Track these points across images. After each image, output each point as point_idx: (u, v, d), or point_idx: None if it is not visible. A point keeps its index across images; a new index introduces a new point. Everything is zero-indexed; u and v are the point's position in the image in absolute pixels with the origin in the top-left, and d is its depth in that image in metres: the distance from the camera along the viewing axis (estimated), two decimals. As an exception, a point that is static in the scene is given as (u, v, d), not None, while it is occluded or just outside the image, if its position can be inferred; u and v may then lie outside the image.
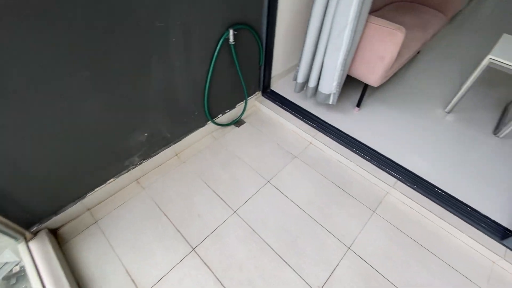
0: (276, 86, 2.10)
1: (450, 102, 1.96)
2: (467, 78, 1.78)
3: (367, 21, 1.42)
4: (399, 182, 1.52)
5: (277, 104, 1.94)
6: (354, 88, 2.10)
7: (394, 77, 2.29)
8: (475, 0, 3.73)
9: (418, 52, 2.57)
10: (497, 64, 1.61)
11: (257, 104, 1.99)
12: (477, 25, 3.17)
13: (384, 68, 1.53)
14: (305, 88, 1.86)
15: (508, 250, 1.28)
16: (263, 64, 1.78)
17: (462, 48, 2.74)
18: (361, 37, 1.48)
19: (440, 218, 1.39)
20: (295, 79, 1.84)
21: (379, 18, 1.41)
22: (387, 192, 1.54)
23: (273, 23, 1.59)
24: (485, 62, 1.65)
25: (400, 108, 2.01)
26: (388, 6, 2.27)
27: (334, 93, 1.66)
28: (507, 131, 1.79)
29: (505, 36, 1.81)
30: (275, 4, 1.50)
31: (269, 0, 1.45)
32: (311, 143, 1.78)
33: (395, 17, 2.06)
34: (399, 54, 1.67)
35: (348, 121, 1.86)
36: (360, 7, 1.28)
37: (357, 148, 1.66)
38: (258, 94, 2.00)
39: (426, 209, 1.42)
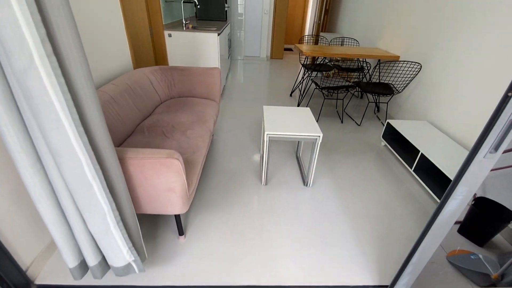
0: (49, 273, 1.23)
1: (262, 176, 1.96)
2: (262, 153, 1.82)
3: (122, 158, 1.01)
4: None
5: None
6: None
7: (206, 172, 2.08)
8: (229, 77, 4.64)
9: (212, 135, 2.60)
10: (274, 137, 1.72)
11: None
12: (242, 96, 3.84)
13: (181, 196, 1.16)
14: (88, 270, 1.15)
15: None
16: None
17: (242, 118, 3.11)
18: (128, 178, 1.04)
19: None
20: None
21: (138, 150, 1.04)
22: None
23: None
24: (266, 138, 1.73)
25: (225, 202, 1.76)
26: (159, 108, 2.09)
27: (135, 260, 1.08)
28: (311, 180, 1.98)
29: (265, 108, 2.07)
30: None
31: None
32: None
33: (173, 119, 1.87)
34: (191, 168, 1.40)
35: (172, 268, 1.33)
36: (97, 144, 0.84)
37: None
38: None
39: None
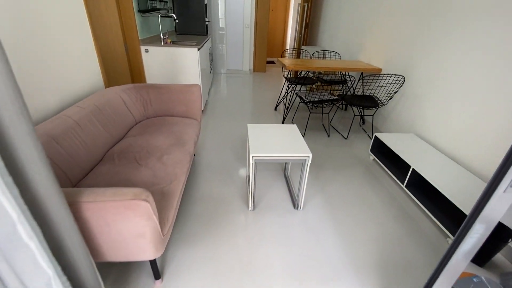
0: None
1: (248, 201, 1.80)
2: (248, 176, 1.67)
3: (76, 202, 0.82)
4: None
5: None
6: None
7: (186, 200, 1.89)
8: (212, 92, 4.51)
9: (194, 155, 2.43)
10: (261, 159, 1.59)
11: None
12: (225, 111, 3.70)
13: (153, 241, 0.99)
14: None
15: None
16: None
17: (226, 135, 2.96)
18: (85, 225, 0.86)
19: None
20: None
21: (96, 192, 0.86)
22: None
23: None
24: (252, 161, 1.59)
25: (208, 234, 1.58)
26: (133, 130, 1.91)
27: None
28: (301, 203, 1.84)
29: (250, 127, 1.94)
30: None
31: None
32: None
33: (148, 143, 1.69)
34: (167, 201, 1.23)
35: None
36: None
37: None
38: None
39: None
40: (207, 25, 4.74)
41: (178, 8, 4.55)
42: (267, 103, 4.04)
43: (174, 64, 3.09)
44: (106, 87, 2.18)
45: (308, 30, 5.91)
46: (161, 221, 1.11)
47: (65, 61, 1.67)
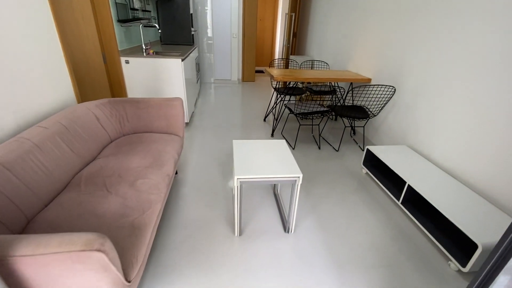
0: None
1: (234, 225, 1.65)
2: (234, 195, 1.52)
3: (8, 256, 0.66)
4: None
5: None
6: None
7: (165, 227, 1.72)
8: (198, 103, 4.37)
9: (176, 173, 2.26)
10: (247, 181, 1.45)
11: None
12: (212, 123, 3.56)
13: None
14: None
15: None
16: None
17: (212, 150, 2.81)
18: (22, 283, 0.69)
19: None
20: None
21: (38, 241, 0.69)
22: None
23: None
24: (237, 183, 1.44)
25: (189, 267, 1.41)
26: (107, 149, 1.73)
27: None
28: (292, 226, 1.70)
29: (235, 143, 1.80)
30: None
31: None
32: None
33: (121, 165, 1.52)
34: (136, 237, 1.06)
35: None
36: None
37: None
38: None
39: None
40: (193, 34, 4.64)
41: (163, 18, 4.43)
42: (256, 114, 3.92)
43: (157, 76, 2.94)
44: (79, 102, 2.00)
45: (296, 40, 5.89)
46: (127, 264, 0.94)
47: (27, 75, 1.50)
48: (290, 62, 4.30)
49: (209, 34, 5.42)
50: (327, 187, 2.19)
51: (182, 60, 2.92)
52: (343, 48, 3.71)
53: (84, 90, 2.65)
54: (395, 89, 2.59)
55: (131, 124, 1.99)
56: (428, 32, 2.17)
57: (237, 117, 3.74)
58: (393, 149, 2.29)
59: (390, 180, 2.15)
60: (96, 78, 2.69)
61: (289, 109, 2.85)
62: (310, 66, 4.39)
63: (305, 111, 2.78)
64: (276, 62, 4.33)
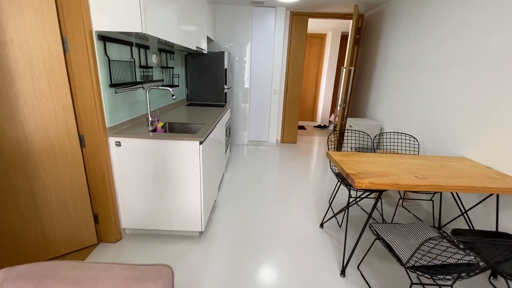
0: None
1: None
2: None
3: None
4: None
5: None
6: None
7: None
8: (224, 180, 3.23)
9: None
10: None
11: None
12: (239, 234, 2.33)
13: None
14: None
15: None
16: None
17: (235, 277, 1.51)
18: None
19: None
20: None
21: None
22: None
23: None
24: None
25: None
26: None
27: None
28: None
29: None
30: None
31: None
32: None
33: None
34: None
35: None
36: None
37: None
38: None
39: None
40: (226, 92, 3.75)
41: (191, 73, 3.64)
42: (305, 206, 2.63)
43: (161, 164, 1.89)
44: None
45: (352, 96, 4.77)
46: None
47: None
48: (348, 133, 3.09)
49: (245, 90, 4.55)
50: None
51: (201, 143, 1.85)
52: (449, 119, 2.41)
53: (45, 189, 1.64)
54: None
55: None
56: None
57: (277, 214, 2.47)
58: None
59: None
60: (62, 171, 1.70)
61: (383, 243, 1.52)
62: (388, 142, 3.12)
63: (429, 262, 1.39)
64: (332, 137, 3.14)
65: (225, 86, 3.70)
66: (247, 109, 4.65)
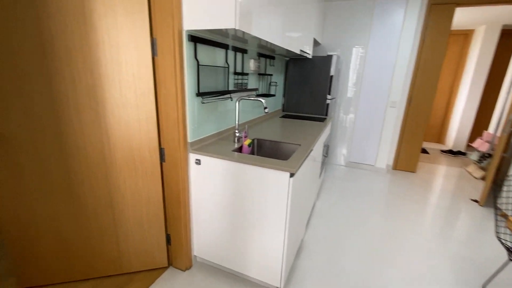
0: None
1: None
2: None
3: None
4: None
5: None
6: None
7: None
8: (313, 217, 2.60)
9: None
10: None
11: None
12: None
13: None
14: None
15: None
16: None
17: None
18: None
19: None
20: None
21: None
22: None
23: None
24: None
25: None
26: None
27: None
28: None
29: None
30: None
31: None
32: None
33: None
34: None
35: None
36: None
37: None
38: None
39: None
40: (328, 104, 3.13)
41: (290, 81, 3.23)
42: (436, 281, 1.70)
43: (241, 192, 1.50)
44: None
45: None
46: None
47: None
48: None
49: (348, 100, 3.78)
50: None
51: (292, 175, 1.35)
52: None
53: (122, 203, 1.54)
54: None
55: None
56: None
57: (388, 281, 1.67)
58: None
59: None
60: (140, 185, 1.55)
61: None
62: None
63: None
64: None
65: (328, 97, 3.09)
66: (350, 123, 3.86)
